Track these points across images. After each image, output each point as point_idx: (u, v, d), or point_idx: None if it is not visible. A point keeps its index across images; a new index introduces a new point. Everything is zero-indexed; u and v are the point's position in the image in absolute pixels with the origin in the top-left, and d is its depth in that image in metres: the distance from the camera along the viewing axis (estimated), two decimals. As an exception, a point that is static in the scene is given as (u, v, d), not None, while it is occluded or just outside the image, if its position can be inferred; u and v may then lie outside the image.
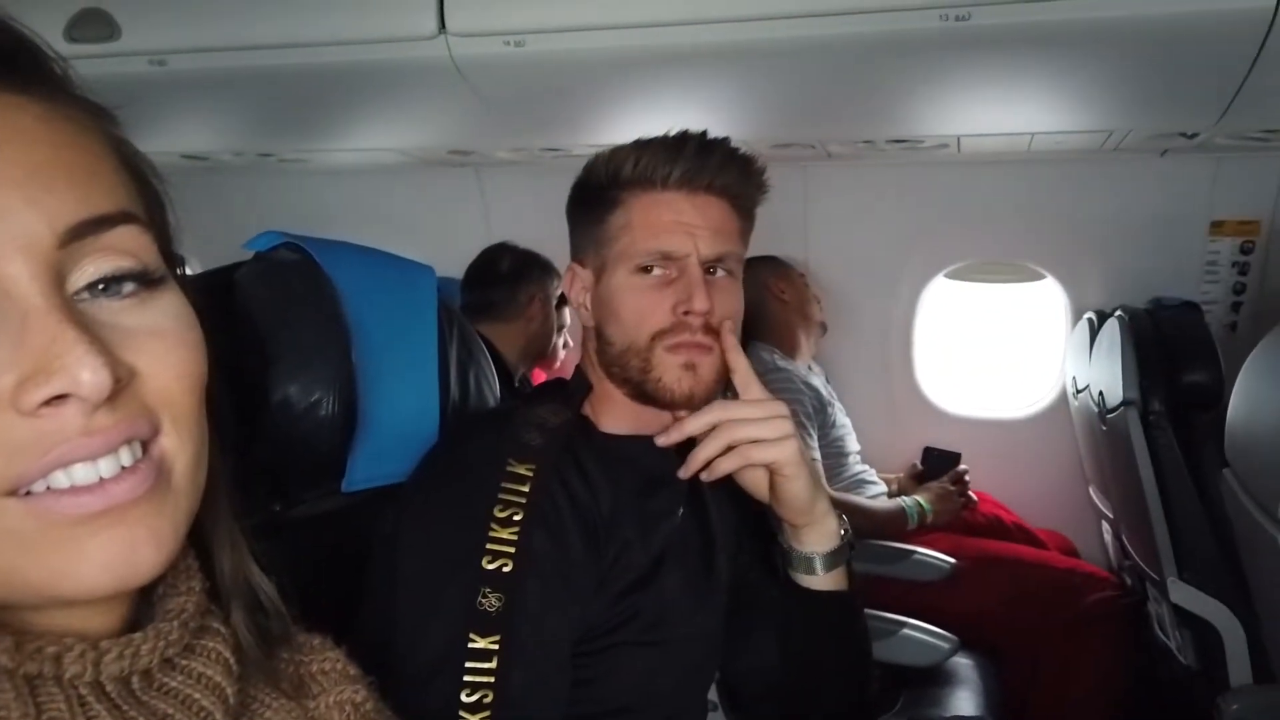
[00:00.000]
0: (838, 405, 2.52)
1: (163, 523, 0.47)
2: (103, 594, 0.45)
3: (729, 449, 0.94)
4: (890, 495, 2.47)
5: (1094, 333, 2.13)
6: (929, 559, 2.15)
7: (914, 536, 2.27)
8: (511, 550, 0.81)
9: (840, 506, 2.30)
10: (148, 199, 0.51)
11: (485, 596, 0.79)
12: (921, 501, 2.34)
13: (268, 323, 0.83)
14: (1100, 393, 1.96)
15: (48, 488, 0.43)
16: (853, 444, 2.51)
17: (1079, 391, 2.29)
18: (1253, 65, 1.58)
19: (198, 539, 0.55)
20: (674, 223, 0.94)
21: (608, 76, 1.88)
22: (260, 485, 0.86)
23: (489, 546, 0.81)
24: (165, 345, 0.48)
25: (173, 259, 0.52)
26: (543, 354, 2.43)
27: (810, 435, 2.30)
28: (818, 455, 2.30)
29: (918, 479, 2.53)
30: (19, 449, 0.42)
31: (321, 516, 0.92)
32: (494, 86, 1.97)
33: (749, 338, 2.54)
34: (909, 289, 2.79)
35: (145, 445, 0.47)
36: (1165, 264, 2.47)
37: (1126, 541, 2.09)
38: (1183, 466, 1.66)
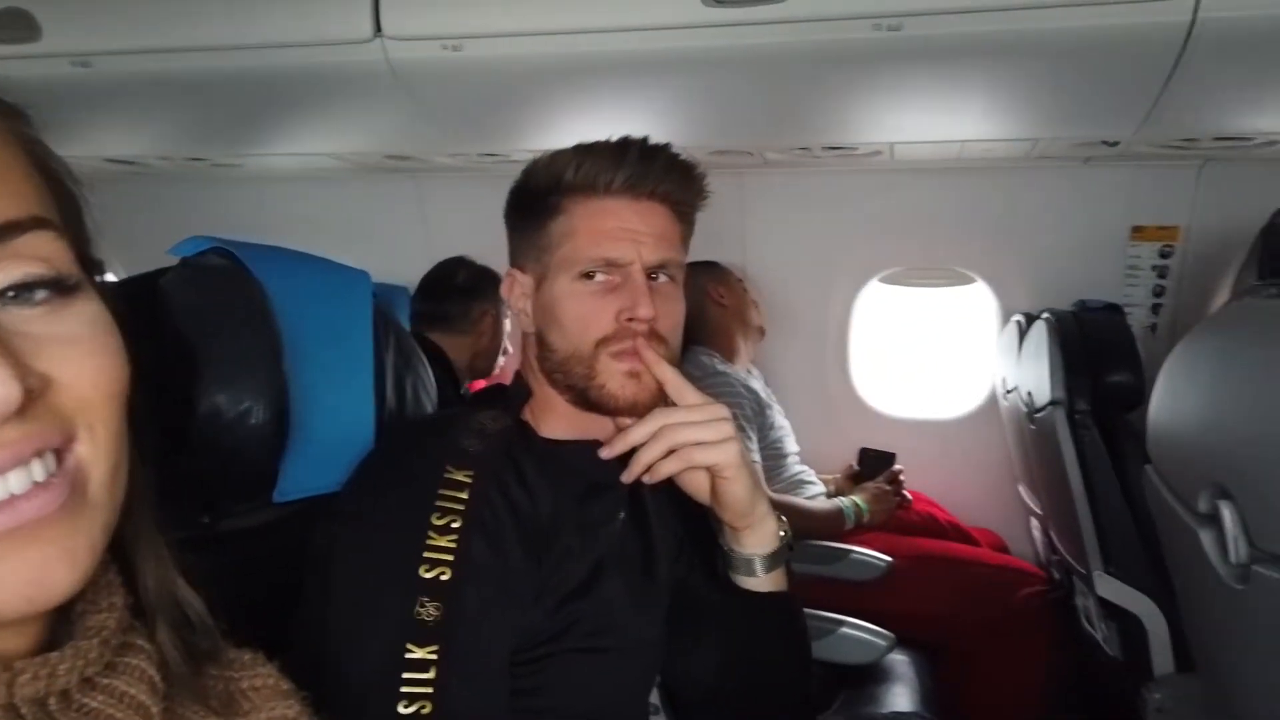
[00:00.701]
0: (776, 407, 2.55)
1: (78, 540, 0.45)
2: (13, 617, 0.44)
3: (671, 452, 0.95)
4: (828, 495, 2.51)
5: (1022, 335, 2.19)
6: (866, 558, 2.19)
7: (851, 536, 2.31)
8: (450, 558, 0.80)
9: (779, 508, 2.33)
10: (63, 203, 0.50)
11: (423, 606, 0.78)
12: (859, 501, 2.38)
13: (194, 330, 0.80)
14: (1029, 393, 2.01)
15: None
16: (791, 445, 2.54)
17: (1008, 392, 2.36)
18: (1169, 77, 1.64)
19: (120, 553, 0.53)
20: (618, 229, 0.93)
21: (547, 82, 1.87)
22: (188, 497, 0.84)
23: (426, 555, 0.80)
24: (81, 352, 0.46)
25: (91, 265, 0.50)
26: (489, 370, 2.47)
27: (750, 438, 2.32)
28: (758, 457, 2.32)
29: (855, 479, 2.57)
30: None
31: (253, 529, 0.90)
32: (432, 91, 1.95)
33: (689, 342, 2.55)
34: (844, 293, 2.83)
35: (60, 456, 0.45)
36: (1089, 268, 2.55)
37: (1054, 537, 2.15)
38: (1107, 463, 1.72)
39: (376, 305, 1.06)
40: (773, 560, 1.03)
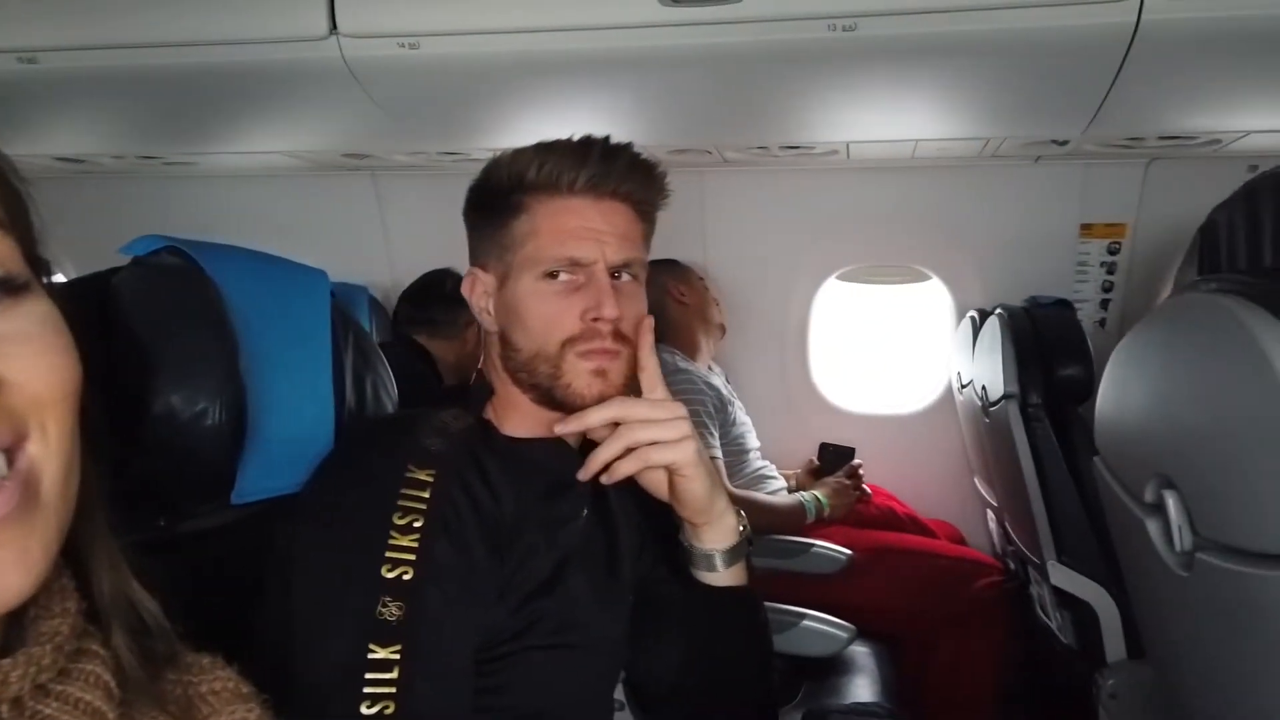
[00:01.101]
0: (738, 404, 2.57)
1: (31, 543, 0.45)
2: None
3: (629, 451, 0.95)
4: (789, 491, 2.53)
5: (976, 330, 2.23)
6: (827, 551, 2.22)
7: (812, 530, 2.34)
8: (412, 558, 0.80)
9: (741, 503, 2.34)
10: (8, 202, 0.49)
11: (385, 606, 0.78)
12: (819, 496, 2.41)
13: (147, 330, 0.79)
14: (983, 387, 2.05)
15: None
16: (753, 441, 2.56)
17: (963, 386, 2.40)
18: (1116, 77, 1.68)
19: (74, 557, 0.53)
20: (581, 228, 0.94)
21: (506, 80, 1.87)
22: (144, 499, 0.83)
23: (389, 554, 0.80)
24: (32, 351, 0.46)
25: (38, 264, 0.50)
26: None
27: (712, 434, 2.34)
28: (719, 454, 2.34)
29: (815, 474, 2.60)
30: None
31: (212, 531, 0.89)
32: (389, 89, 1.93)
33: (650, 340, 2.56)
34: (804, 291, 2.86)
35: (11, 457, 0.45)
36: (1041, 264, 2.61)
37: (1009, 528, 2.19)
38: (1059, 455, 1.75)
39: (335, 304, 1.05)
40: (732, 555, 1.04)
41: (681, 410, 0.96)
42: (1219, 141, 2.07)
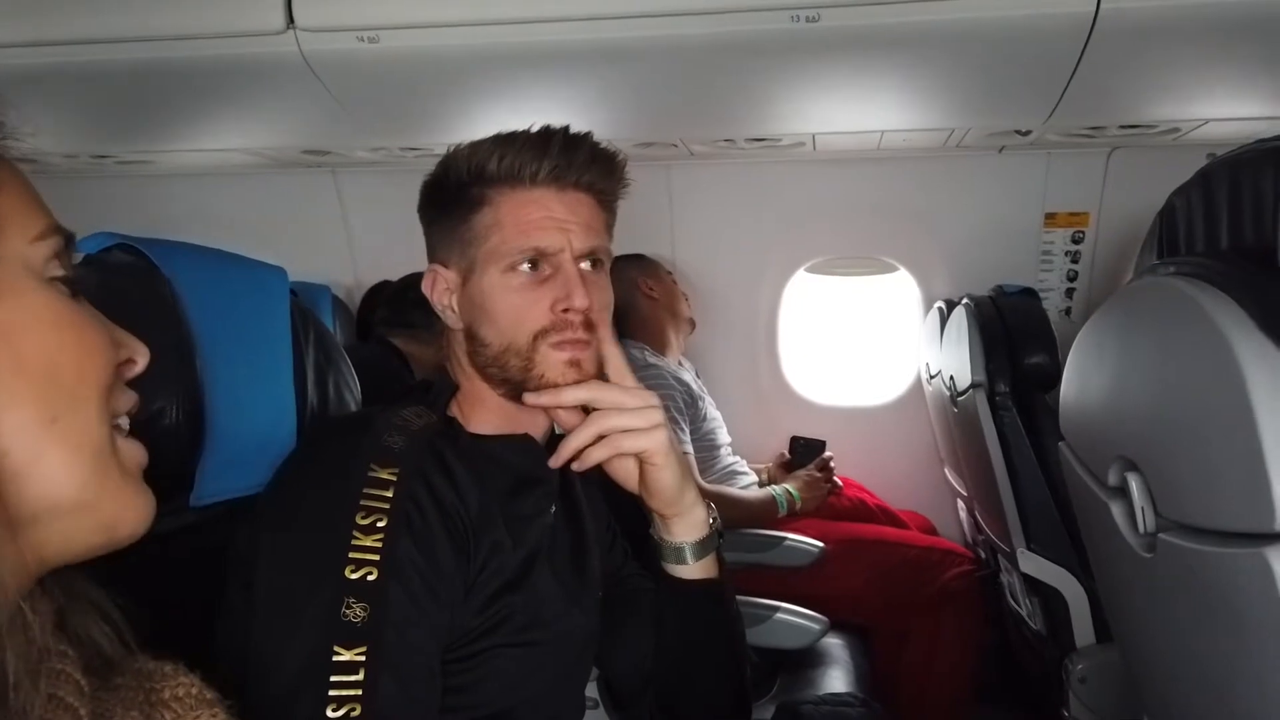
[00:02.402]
0: (708, 399, 2.57)
1: None
2: None
3: (600, 438, 0.95)
4: (761, 484, 2.54)
5: (944, 321, 2.24)
6: (799, 544, 2.22)
7: (784, 523, 2.34)
8: (376, 558, 0.78)
9: (713, 498, 2.34)
10: None
11: (349, 607, 0.76)
12: (790, 489, 2.41)
13: (100, 330, 0.77)
14: (951, 377, 2.06)
15: None
16: (724, 436, 2.56)
17: (932, 377, 2.41)
18: (1076, 66, 1.69)
19: None
20: (545, 219, 0.93)
21: (467, 74, 1.85)
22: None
23: (352, 555, 0.78)
24: None
25: None
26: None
27: (683, 429, 2.34)
28: (690, 449, 2.33)
29: (786, 468, 2.60)
30: None
31: (171, 534, 0.87)
32: (348, 84, 1.91)
33: (619, 335, 2.55)
34: (772, 284, 2.87)
35: None
36: (1006, 254, 2.63)
37: (979, 517, 2.21)
38: (1026, 443, 1.77)
39: (296, 302, 1.03)
40: (703, 548, 1.04)
41: (654, 399, 0.96)
42: (1178, 130, 2.10)
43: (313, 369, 1.02)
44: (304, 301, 2.19)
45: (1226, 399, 0.62)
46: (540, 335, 0.93)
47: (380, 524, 0.80)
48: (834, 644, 2.09)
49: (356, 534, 0.79)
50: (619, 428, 0.94)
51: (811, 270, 2.88)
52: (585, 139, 0.95)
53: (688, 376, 2.53)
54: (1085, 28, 1.55)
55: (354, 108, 2.02)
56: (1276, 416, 0.59)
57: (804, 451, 2.60)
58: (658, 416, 0.96)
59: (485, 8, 1.66)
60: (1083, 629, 1.71)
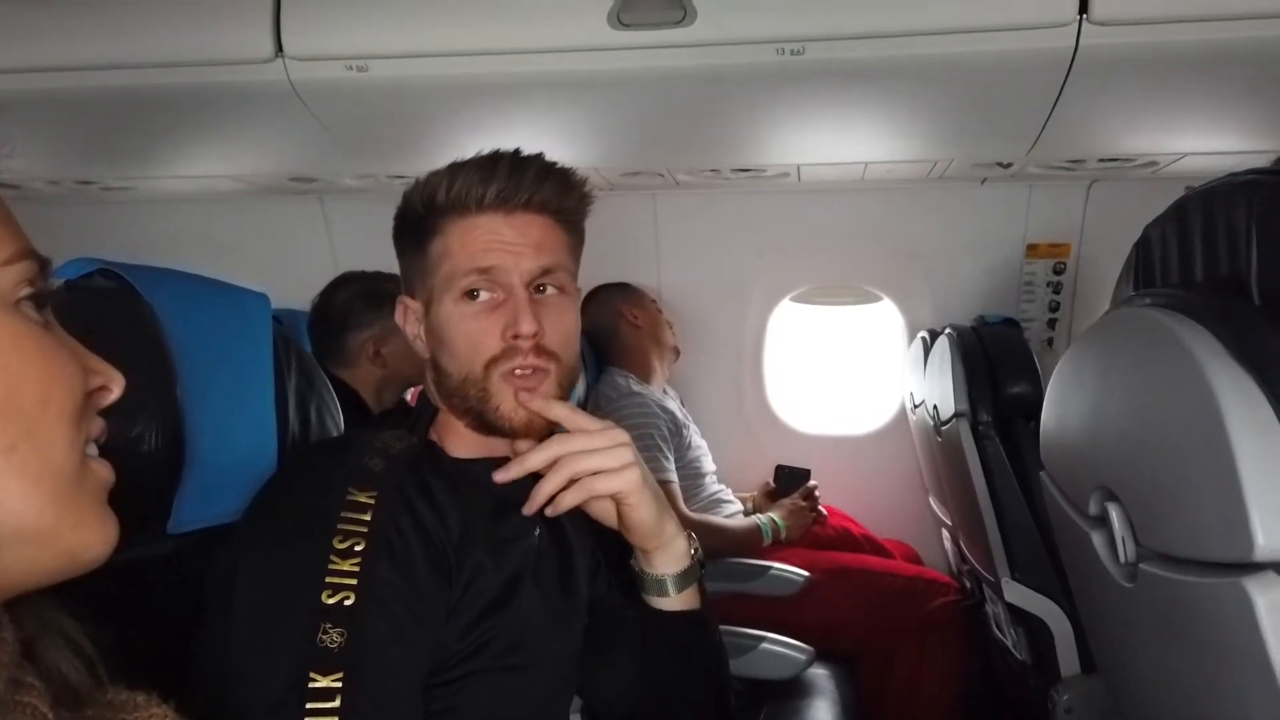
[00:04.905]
0: (693, 427, 2.57)
1: None
2: None
3: (572, 482, 0.93)
4: (746, 513, 2.53)
5: (927, 350, 2.25)
6: (784, 574, 2.21)
7: (769, 552, 2.33)
8: (353, 582, 0.77)
9: (698, 527, 2.33)
10: None
11: (326, 633, 0.75)
12: (775, 518, 2.41)
13: (80, 356, 0.76)
14: (934, 406, 2.07)
15: None
16: (709, 464, 2.56)
17: (916, 406, 2.42)
18: (1056, 101, 1.72)
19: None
20: (493, 242, 0.91)
21: (455, 103, 1.86)
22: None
23: (329, 580, 0.77)
24: None
25: None
26: (402, 391, 2.18)
27: (667, 458, 2.33)
28: (675, 478, 2.33)
29: (771, 496, 2.60)
30: None
31: (148, 562, 0.86)
32: (336, 112, 1.92)
33: (604, 363, 2.56)
34: (758, 313, 2.88)
35: None
36: (989, 284, 2.65)
37: (964, 546, 2.21)
38: (1010, 472, 1.77)
39: (278, 328, 1.03)
40: (684, 579, 1.03)
41: (623, 436, 0.95)
42: (1156, 164, 2.13)
43: (294, 395, 1.02)
44: (289, 328, 2.16)
45: (1203, 428, 0.62)
46: (491, 364, 0.91)
47: (358, 548, 0.79)
48: (819, 674, 2.07)
49: (334, 558, 0.78)
50: (589, 470, 0.93)
51: (796, 299, 2.90)
52: (533, 159, 0.94)
53: (672, 405, 2.53)
54: (1065, 62, 1.58)
55: (342, 135, 2.03)
56: (1252, 445, 0.60)
57: (789, 480, 2.60)
58: (628, 455, 0.94)
59: (473, 39, 1.67)
60: (1068, 659, 1.70)
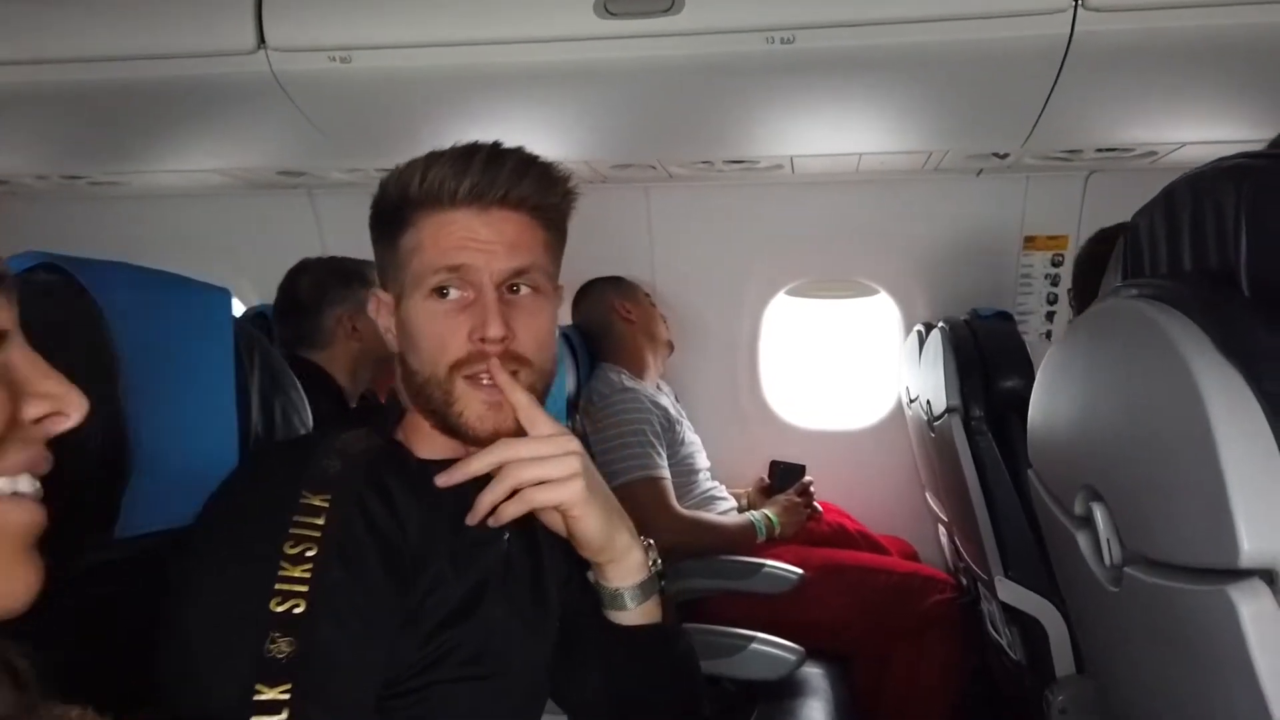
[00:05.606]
0: (686, 423, 2.54)
1: None
2: None
3: (517, 492, 0.89)
4: (740, 510, 2.50)
5: (923, 344, 2.22)
6: (778, 571, 2.18)
7: (763, 549, 2.30)
8: (304, 589, 0.74)
9: (690, 525, 2.30)
10: None
11: (274, 642, 0.72)
12: (769, 515, 2.38)
13: (19, 352, 0.74)
14: (928, 401, 2.03)
15: None
16: (702, 461, 2.53)
17: (912, 401, 2.39)
18: (1052, 90, 1.69)
19: None
20: (465, 239, 0.88)
21: (441, 94, 1.84)
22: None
23: (279, 587, 0.74)
24: None
25: None
26: (380, 369, 2.16)
27: (659, 454, 2.30)
28: (666, 474, 2.30)
29: (765, 493, 2.57)
30: None
31: (98, 568, 0.83)
32: (321, 104, 1.90)
33: (597, 358, 2.53)
34: (752, 306, 2.85)
35: None
36: (985, 277, 2.62)
37: (959, 543, 2.18)
38: (1002, 468, 1.74)
39: (243, 325, 1.00)
40: (642, 591, 0.98)
41: (573, 445, 0.90)
42: (1155, 154, 2.09)
43: (258, 394, 0.99)
44: (271, 321, 2.12)
45: (1187, 426, 0.59)
46: (455, 367, 0.88)
47: (310, 553, 0.76)
48: (813, 673, 2.04)
49: (284, 564, 0.75)
50: (532, 479, 0.88)
51: (792, 293, 2.87)
52: (512, 152, 0.90)
53: (665, 400, 2.50)
54: (1060, 50, 1.55)
55: (328, 128, 2.01)
56: (1238, 446, 0.57)
57: (784, 476, 2.56)
58: (574, 465, 0.89)
59: (457, 29, 1.65)
60: (1063, 659, 1.67)
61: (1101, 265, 0.98)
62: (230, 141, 2.20)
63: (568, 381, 2.23)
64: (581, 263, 2.68)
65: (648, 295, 2.64)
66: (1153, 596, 0.68)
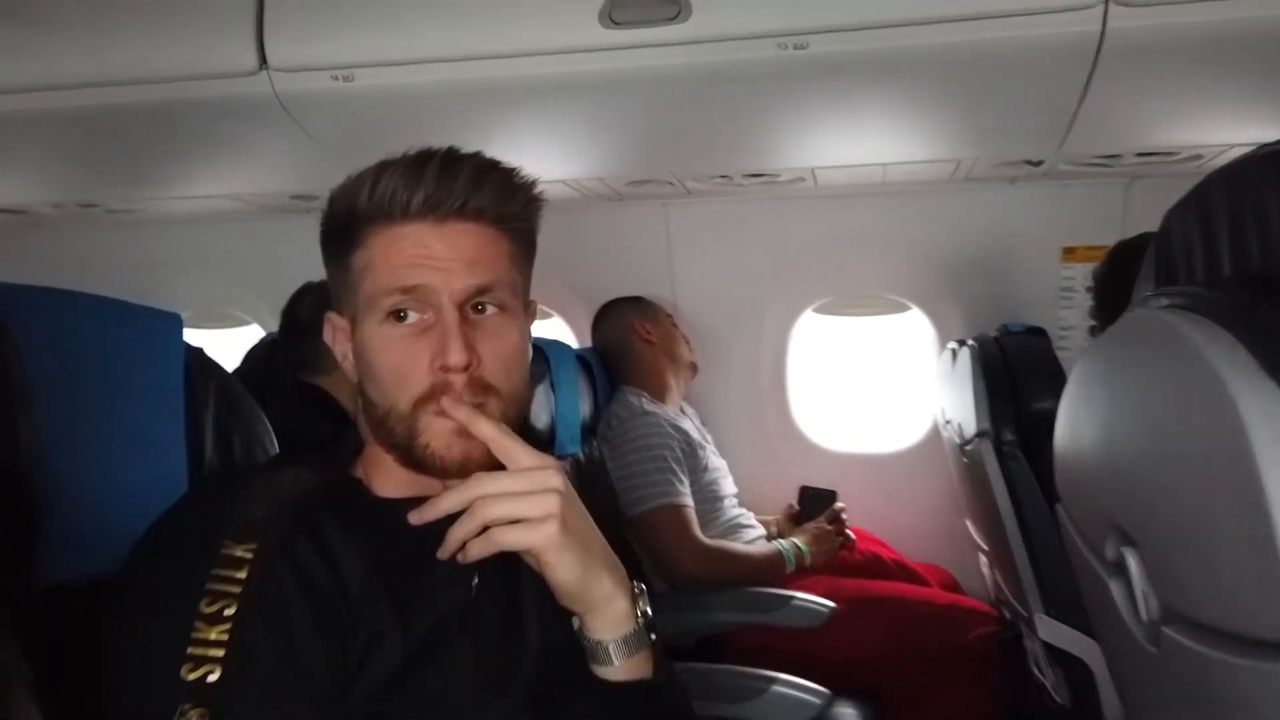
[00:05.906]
0: (710, 448, 2.45)
1: None
2: None
3: (487, 529, 0.80)
4: (768, 538, 2.40)
5: (955, 362, 2.11)
6: (808, 604, 2.08)
7: (792, 580, 2.20)
8: (219, 654, 0.66)
9: (714, 555, 2.20)
10: None
11: (184, 715, 0.64)
12: (799, 543, 2.27)
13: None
14: (959, 424, 1.92)
15: None
16: (728, 487, 2.43)
17: (947, 422, 2.27)
18: (1085, 91, 1.60)
19: None
20: (419, 257, 0.80)
21: (445, 111, 1.80)
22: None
23: (191, 651, 0.66)
24: None
25: None
26: None
27: (681, 481, 2.22)
28: (689, 502, 2.21)
29: (795, 520, 2.47)
30: None
31: (27, 616, 0.76)
32: (325, 124, 1.87)
33: (617, 381, 2.46)
34: (778, 325, 2.76)
35: None
36: (1022, 290, 2.51)
37: (998, 575, 2.05)
38: (1039, 496, 1.61)
39: (198, 353, 0.94)
40: (628, 645, 0.87)
41: (554, 480, 0.81)
42: (1200, 157, 1.97)
43: (212, 425, 0.92)
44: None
45: (1226, 463, 0.49)
46: (420, 403, 0.80)
47: (228, 611, 0.67)
48: (845, 712, 1.93)
49: (198, 624, 0.67)
50: (504, 518, 0.79)
51: (820, 310, 2.77)
52: (468, 158, 0.81)
53: (688, 424, 2.41)
54: (1092, 49, 1.45)
55: (333, 149, 1.97)
56: (1291, 487, 0.46)
57: (814, 502, 2.46)
58: (552, 504, 0.80)
59: (459, 43, 1.61)
60: (1111, 704, 1.53)
61: (1124, 279, 0.87)
62: (238, 165, 2.19)
63: (584, 406, 2.15)
64: (600, 282, 2.62)
65: (669, 315, 2.57)
66: (1196, 663, 0.57)
